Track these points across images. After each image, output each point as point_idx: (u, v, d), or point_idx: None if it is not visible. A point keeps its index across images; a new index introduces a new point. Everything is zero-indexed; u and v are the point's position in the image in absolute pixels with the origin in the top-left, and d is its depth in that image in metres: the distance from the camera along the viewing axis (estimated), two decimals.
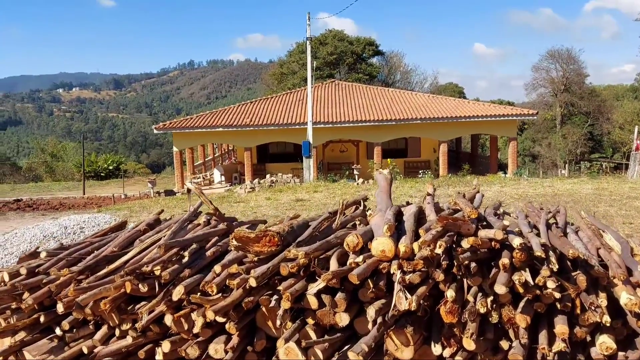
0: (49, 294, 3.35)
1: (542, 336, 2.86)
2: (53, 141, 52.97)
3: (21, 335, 3.34)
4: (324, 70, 45.40)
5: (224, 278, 3.13)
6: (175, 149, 25.35)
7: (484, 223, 3.43)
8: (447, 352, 2.91)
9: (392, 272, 2.92)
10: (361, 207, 4.04)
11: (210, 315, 2.90)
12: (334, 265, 3.04)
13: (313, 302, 2.97)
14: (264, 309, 3.12)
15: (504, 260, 2.81)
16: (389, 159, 24.11)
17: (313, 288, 2.89)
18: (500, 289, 2.73)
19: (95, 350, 3.29)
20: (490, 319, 2.86)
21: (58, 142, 53.84)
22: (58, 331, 3.38)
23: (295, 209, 13.54)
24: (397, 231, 3.28)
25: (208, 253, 3.44)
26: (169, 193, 21.77)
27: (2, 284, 3.53)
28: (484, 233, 2.95)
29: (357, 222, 3.80)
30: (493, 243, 2.92)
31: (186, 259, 3.29)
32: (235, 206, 14.55)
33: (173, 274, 3.18)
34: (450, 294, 2.78)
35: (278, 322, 2.92)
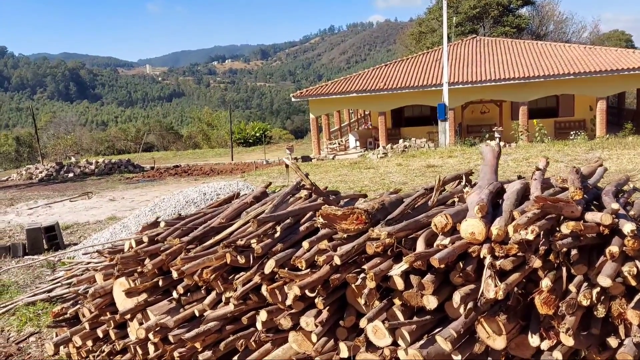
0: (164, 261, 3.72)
1: None
2: (208, 111, 57.88)
3: (144, 296, 3.77)
4: (465, 25, 42.93)
5: (313, 254, 3.18)
6: (311, 115, 26.11)
7: (599, 202, 3.01)
8: (545, 345, 2.65)
9: (482, 256, 2.72)
10: (463, 183, 3.80)
11: (296, 290, 2.99)
12: (420, 246, 2.92)
13: (399, 283, 2.90)
14: (353, 286, 3.13)
15: (612, 249, 2.44)
16: (535, 120, 22.30)
17: (396, 269, 2.81)
18: (604, 280, 2.39)
19: (205, 314, 3.60)
20: (595, 312, 2.53)
21: (213, 112, 58.74)
22: (175, 294, 3.75)
23: (426, 175, 13.22)
24: (495, 211, 3.04)
25: (302, 228, 3.53)
26: (306, 159, 22.65)
27: (130, 249, 4.00)
28: (590, 216, 2.59)
29: (456, 200, 3.58)
30: (601, 228, 2.55)
31: (278, 233, 3.41)
32: (365, 172, 14.65)
33: (265, 247, 3.32)
34: (545, 283, 2.51)
35: (362, 301, 2.91)
